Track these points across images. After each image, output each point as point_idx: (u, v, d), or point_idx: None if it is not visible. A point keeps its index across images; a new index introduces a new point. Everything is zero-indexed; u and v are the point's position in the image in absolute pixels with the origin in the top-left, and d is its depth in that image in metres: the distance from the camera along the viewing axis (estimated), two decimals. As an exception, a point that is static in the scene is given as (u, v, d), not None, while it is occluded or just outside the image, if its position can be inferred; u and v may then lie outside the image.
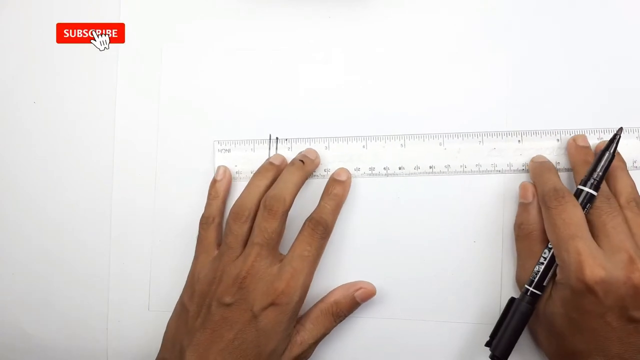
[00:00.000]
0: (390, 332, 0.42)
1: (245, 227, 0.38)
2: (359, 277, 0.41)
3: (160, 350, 0.39)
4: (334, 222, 0.40)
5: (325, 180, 0.41)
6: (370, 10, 0.43)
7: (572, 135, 0.40)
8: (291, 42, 0.43)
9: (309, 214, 0.39)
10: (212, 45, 0.43)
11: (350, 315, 0.41)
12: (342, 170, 0.41)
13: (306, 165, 0.40)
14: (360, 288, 0.40)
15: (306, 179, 0.41)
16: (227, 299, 0.36)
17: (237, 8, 0.43)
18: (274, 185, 0.39)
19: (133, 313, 0.43)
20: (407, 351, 0.42)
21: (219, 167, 0.42)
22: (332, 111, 0.42)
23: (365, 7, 0.43)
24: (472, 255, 0.41)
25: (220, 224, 0.41)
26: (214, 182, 0.42)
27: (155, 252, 0.43)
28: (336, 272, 0.42)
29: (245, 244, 0.38)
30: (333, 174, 0.41)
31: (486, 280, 0.41)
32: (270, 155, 0.42)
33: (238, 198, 0.39)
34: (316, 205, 0.40)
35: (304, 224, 0.38)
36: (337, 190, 0.40)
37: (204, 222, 0.41)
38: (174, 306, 0.40)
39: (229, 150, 0.43)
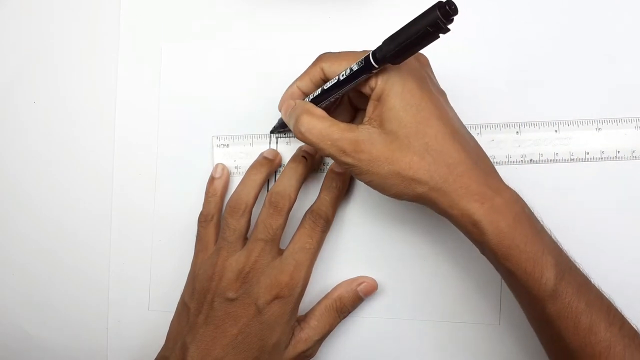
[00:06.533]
0: (390, 332, 0.41)
1: (243, 221, 0.38)
2: (359, 274, 0.41)
3: (161, 349, 0.39)
4: (334, 215, 0.40)
5: (324, 173, 0.41)
6: (370, 10, 0.43)
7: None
8: (291, 42, 0.43)
9: (308, 206, 0.39)
10: (212, 45, 0.43)
11: (351, 314, 0.41)
12: None
13: (308, 160, 0.40)
14: (363, 282, 0.40)
15: (309, 173, 0.40)
16: (231, 294, 0.36)
17: (237, 8, 0.43)
18: (277, 182, 0.39)
19: (133, 313, 0.43)
20: (407, 351, 0.41)
21: (216, 165, 0.42)
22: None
23: (365, 7, 0.43)
24: (471, 253, 0.41)
25: (218, 221, 0.41)
26: (212, 179, 0.42)
27: (155, 252, 0.43)
28: (337, 268, 0.42)
29: (243, 238, 0.39)
30: (331, 165, 0.41)
31: (486, 280, 0.41)
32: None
33: (234, 192, 0.39)
34: (315, 197, 0.40)
35: (305, 216, 0.39)
36: (336, 182, 0.40)
37: (203, 219, 0.41)
38: (176, 306, 0.40)
39: (227, 145, 0.43)
